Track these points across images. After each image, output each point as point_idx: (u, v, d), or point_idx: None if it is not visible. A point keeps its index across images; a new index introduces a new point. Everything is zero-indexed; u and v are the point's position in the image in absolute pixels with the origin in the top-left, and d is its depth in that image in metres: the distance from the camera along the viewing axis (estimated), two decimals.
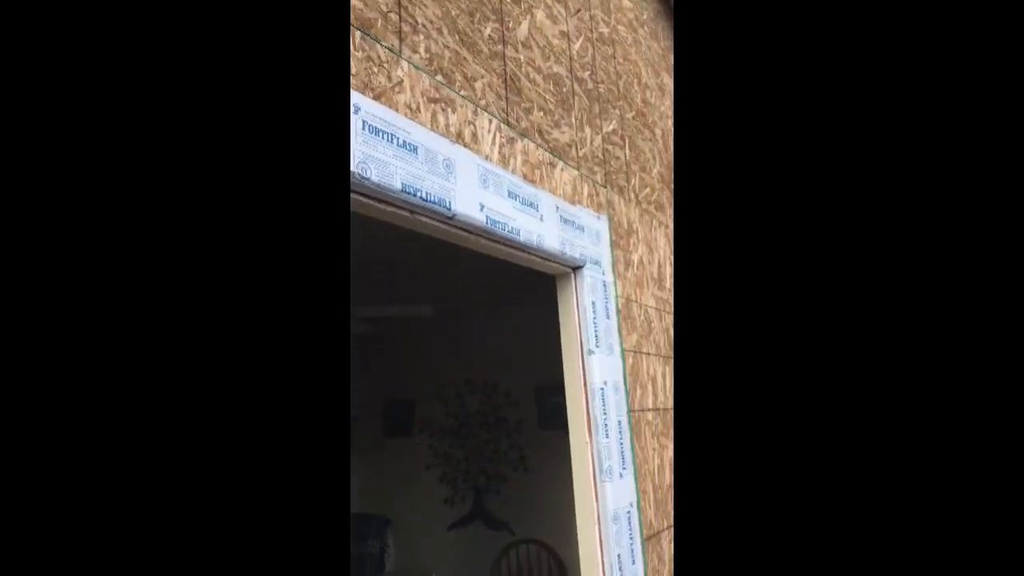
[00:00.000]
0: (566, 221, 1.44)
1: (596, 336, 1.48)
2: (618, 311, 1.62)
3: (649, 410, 1.70)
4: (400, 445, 4.11)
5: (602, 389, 1.46)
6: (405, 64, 1.01)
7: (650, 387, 1.74)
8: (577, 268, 1.50)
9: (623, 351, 1.61)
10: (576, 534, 1.40)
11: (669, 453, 1.78)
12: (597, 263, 1.56)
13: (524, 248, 1.29)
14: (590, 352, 1.46)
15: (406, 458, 4.04)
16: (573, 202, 1.50)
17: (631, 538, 1.44)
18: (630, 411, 1.58)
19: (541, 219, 1.33)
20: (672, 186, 2.28)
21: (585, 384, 1.46)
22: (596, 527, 1.38)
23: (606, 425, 1.45)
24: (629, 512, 1.46)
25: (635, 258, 1.82)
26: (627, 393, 1.58)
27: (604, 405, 1.45)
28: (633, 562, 1.43)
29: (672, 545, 1.66)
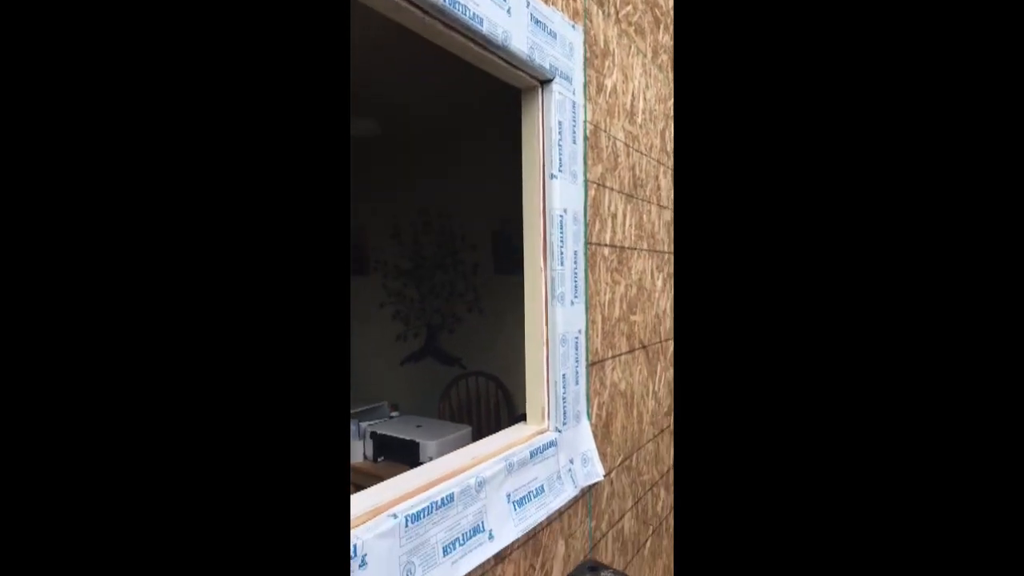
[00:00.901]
0: (537, 23, 1.27)
1: (560, 160, 1.39)
2: (585, 138, 1.52)
3: (606, 245, 1.68)
4: (355, 283, 4.10)
5: (561, 216, 1.40)
6: None
7: (610, 222, 1.70)
8: (546, 82, 1.36)
9: (586, 181, 1.53)
10: (523, 368, 1.42)
11: (621, 289, 1.79)
12: (568, 79, 1.41)
13: (487, 45, 1.13)
14: (552, 176, 1.37)
15: (361, 296, 4.06)
16: (546, 1, 1.32)
17: (577, 361, 1.48)
18: (587, 243, 1.55)
19: (508, 12, 1.16)
20: (654, 11, 2.06)
21: (544, 210, 1.39)
22: (544, 348, 1.41)
23: (562, 253, 1.41)
24: (577, 338, 1.48)
25: (608, 83, 1.67)
26: (586, 225, 1.53)
27: (562, 233, 1.40)
28: (576, 383, 1.48)
29: (614, 372, 1.74)
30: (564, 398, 1.43)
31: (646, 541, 2.03)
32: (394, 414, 2.76)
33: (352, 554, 0.81)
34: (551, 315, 1.40)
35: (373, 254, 4.02)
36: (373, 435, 2.42)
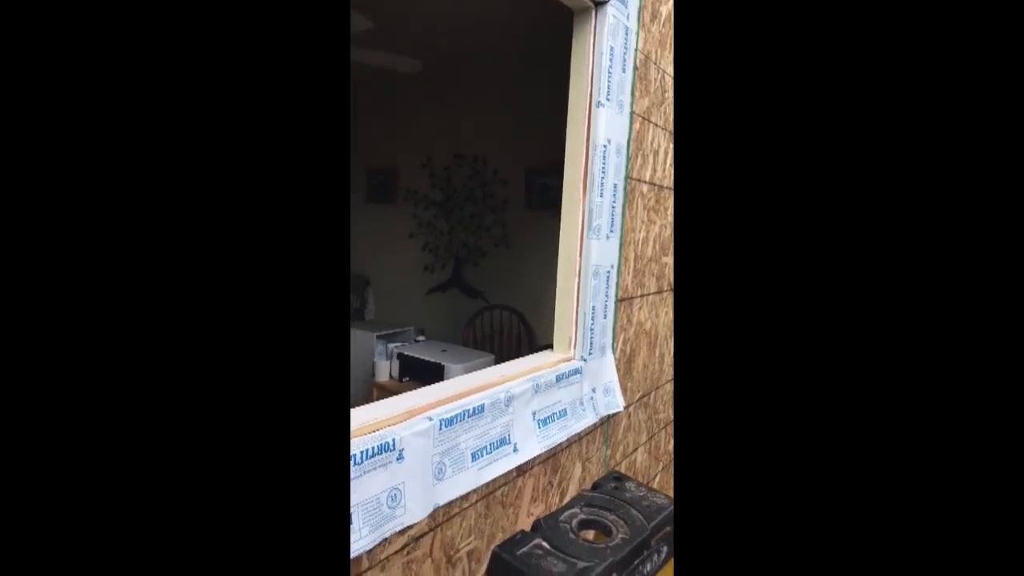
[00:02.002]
0: None
1: (608, 88, 1.36)
2: (635, 67, 1.47)
3: (646, 182, 1.66)
4: (384, 212, 4.13)
5: (604, 147, 1.38)
6: None
7: (651, 159, 1.67)
8: (600, 3, 1.31)
9: (632, 113, 1.49)
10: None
11: (656, 229, 1.78)
12: (623, 2, 1.36)
13: None
14: (598, 104, 1.35)
15: (390, 225, 4.09)
16: None
17: (606, 295, 1.50)
18: (627, 178, 1.53)
19: None
20: None
21: (588, 139, 1.38)
22: (576, 279, 1.42)
23: (602, 185, 1.40)
24: (609, 272, 1.49)
25: (664, 10, 1.60)
26: (628, 159, 1.51)
27: (604, 165, 1.39)
28: (604, 316, 1.50)
29: (641, 311, 1.76)
30: (592, 329, 1.46)
31: (656, 476, 2.11)
32: (420, 338, 2.84)
33: (391, 448, 0.86)
34: (585, 247, 1.41)
35: (404, 183, 4.02)
36: (400, 356, 2.50)
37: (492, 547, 1.16)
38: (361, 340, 2.90)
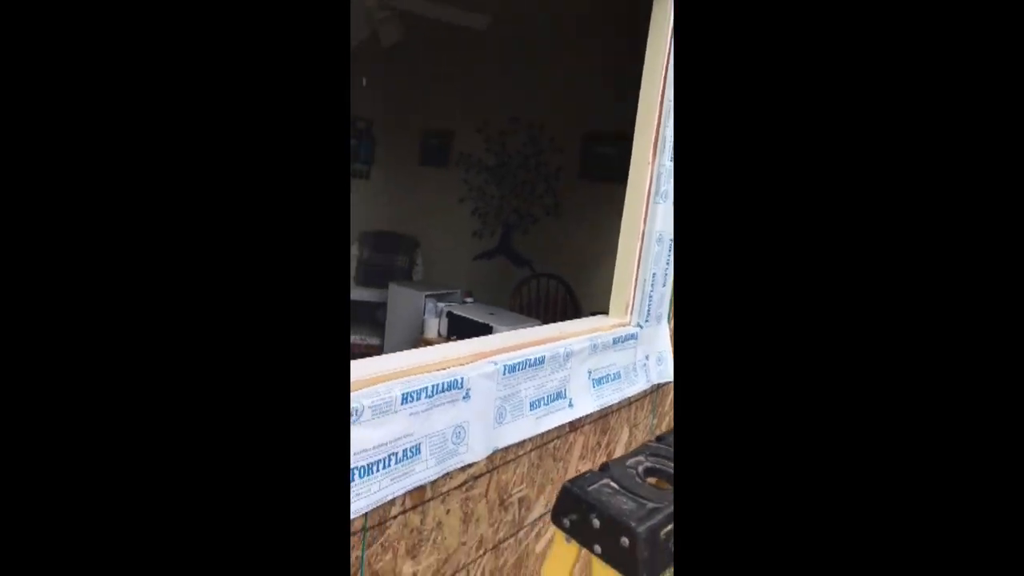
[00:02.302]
0: None
1: None
2: None
3: None
4: (436, 175, 4.16)
5: None
6: None
7: None
8: None
9: None
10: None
11: None
12: None
13: None
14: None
15: (440, 188, 4.12)
16: None
17: (668, 263, 1.49)
18: None
19: None
20: None
21: (661, 102, 1.35)
22: (638, 244, 1.42)
23: (672, 149, 1.38)
24: (672, 241, 1.48)
25: None
26: None
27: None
28: (664, 285, 1.49)
29: None
30: (650, 296, 1.46)
31: None
32: (468, 299, 2.88)
33: (459, 386, 0.89)
34: (651, 212, 1.39)
35: (458, 146, 4.03)
36: (449, 314, 2.55)
37: (543, 495, 1.19)
38: (410, 298, 2.97)
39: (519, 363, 1.03)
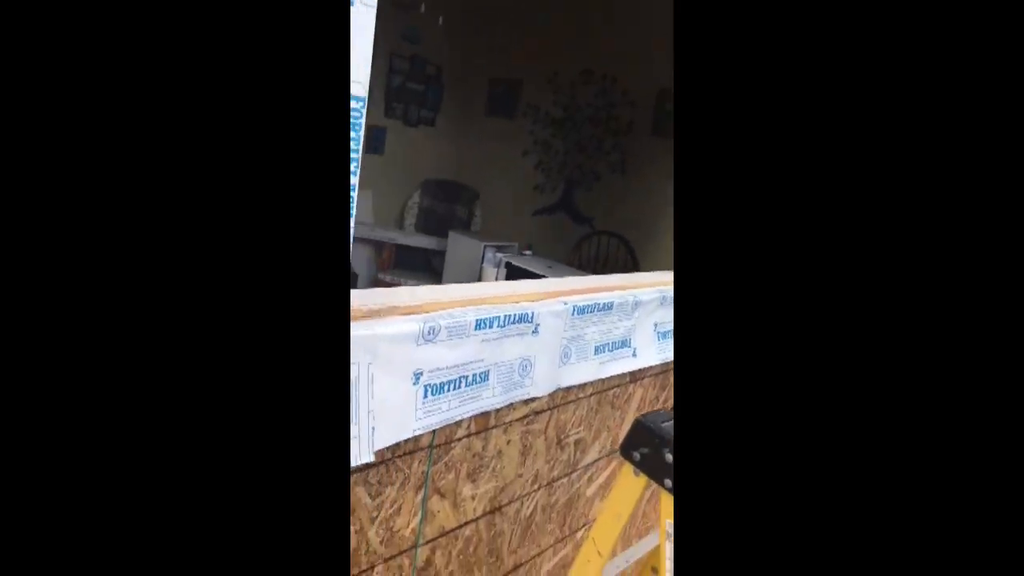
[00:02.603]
0: None
1: None
2: None
3: None
4: (501, 125, 4.10)
5: None
6: None
7: None
8: None
9: None
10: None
11: None
12: None
13: None
14: None
15: (505, 139, 4.07)
16: None
17: None
18: None
19: None
20: None
21: None
22: None
23: None
24: None
25: None
26: None
27: None
28: None
29: None
30: None
31: None
32: (527, 252, 2.88)
33: (528, 319, 0.89)
34: None
35: (525, 97, 3.95)
36: (508, 265, 2.56)
37: (598, 440, 1.20)
38: (469, 247, 2.99)
39: (588, 306, 1.02)
